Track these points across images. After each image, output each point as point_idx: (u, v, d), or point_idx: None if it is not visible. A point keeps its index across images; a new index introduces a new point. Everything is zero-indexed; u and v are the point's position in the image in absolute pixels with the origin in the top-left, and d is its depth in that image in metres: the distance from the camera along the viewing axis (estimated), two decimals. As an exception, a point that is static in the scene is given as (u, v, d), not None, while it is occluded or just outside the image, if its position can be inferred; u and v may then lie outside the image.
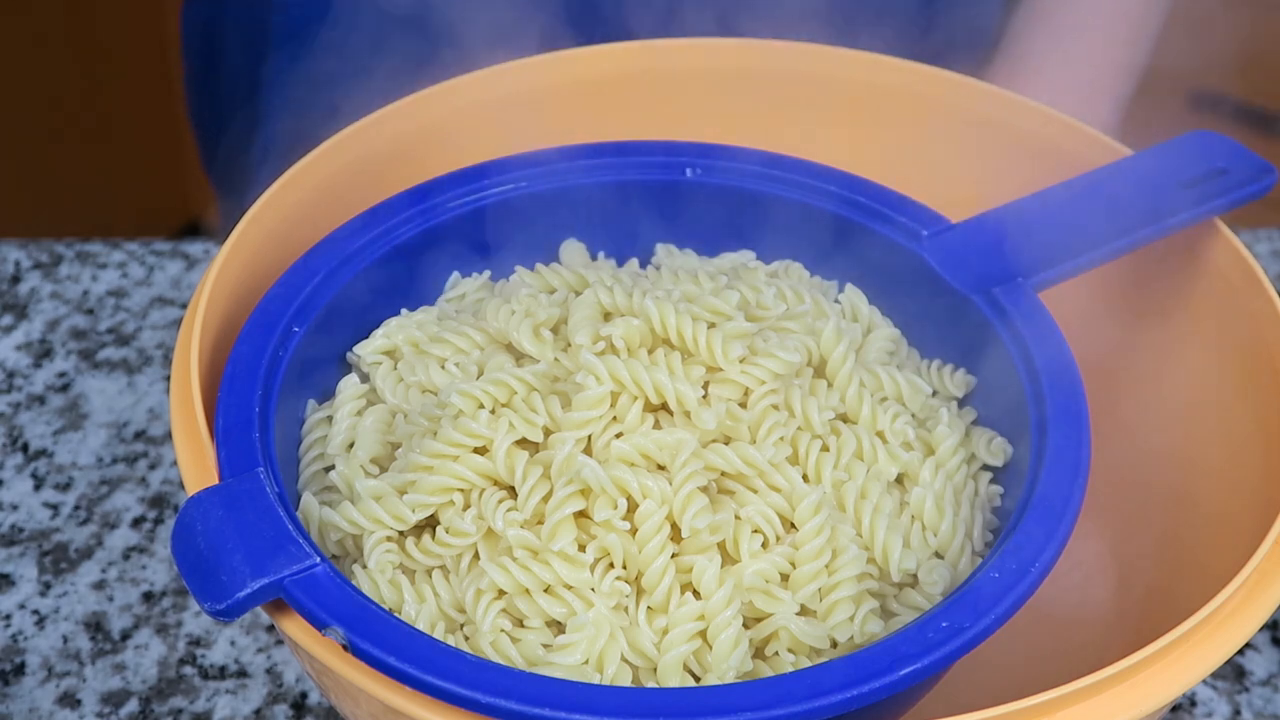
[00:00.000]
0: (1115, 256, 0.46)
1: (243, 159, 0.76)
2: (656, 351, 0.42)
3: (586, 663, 0.38)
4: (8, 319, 0.67)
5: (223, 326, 0.44)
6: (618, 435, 0.41)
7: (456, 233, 0.48)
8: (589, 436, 0.40)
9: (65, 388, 0.64)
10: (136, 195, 1.47)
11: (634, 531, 0.39)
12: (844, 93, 0.54)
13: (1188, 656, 0.35)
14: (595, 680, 0.38)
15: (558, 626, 0.39)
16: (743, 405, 0.42)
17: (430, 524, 0.41)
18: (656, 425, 0.41)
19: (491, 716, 0.33)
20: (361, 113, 0.50)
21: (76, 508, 0.58)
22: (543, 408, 0.41)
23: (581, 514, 0.39)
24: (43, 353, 0.66)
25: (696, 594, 0.39)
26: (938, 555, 0.42)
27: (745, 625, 0.39)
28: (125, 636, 0.53)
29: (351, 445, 0.44)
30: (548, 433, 0.41)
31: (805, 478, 0.42)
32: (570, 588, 0.39)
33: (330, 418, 0.45)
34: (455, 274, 0.50)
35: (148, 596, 0.55)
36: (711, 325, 0.42)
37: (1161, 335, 0.50)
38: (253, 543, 0.36)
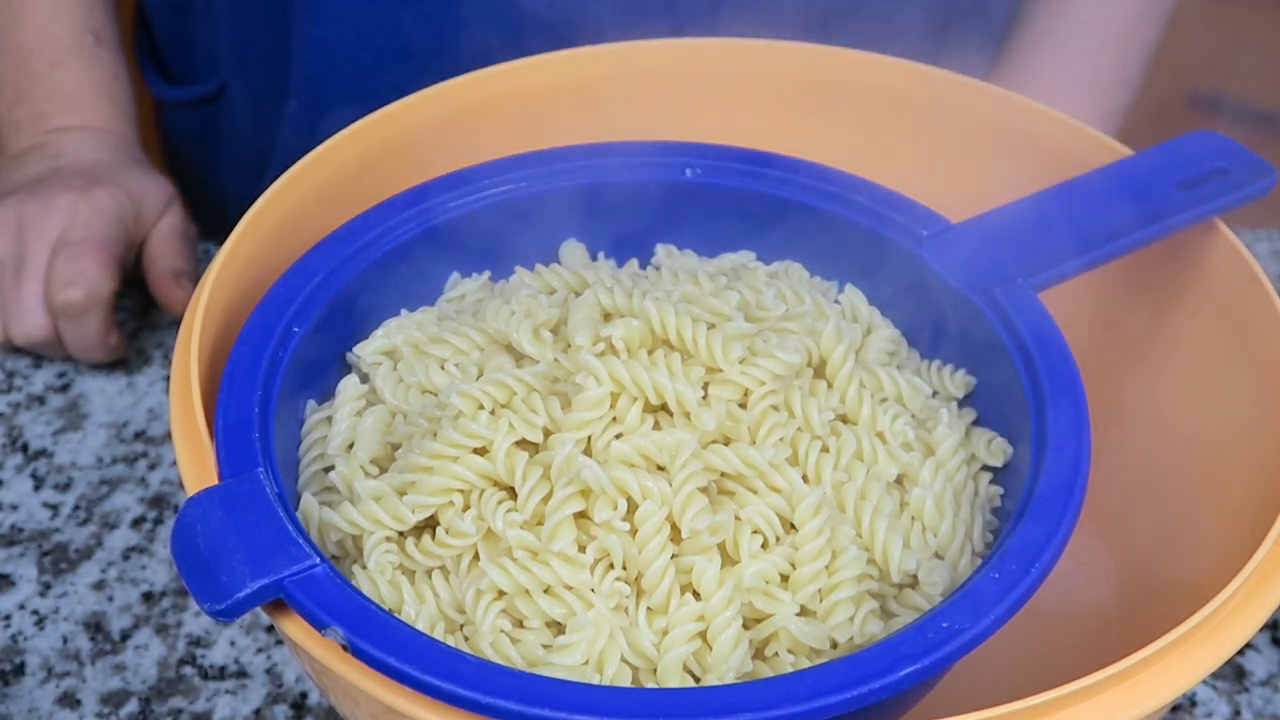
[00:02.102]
0: (1115, 256, 0.46)
1: None
2: (656, 352, 0.42)
3: (586, 663, 0.38)
4: (8, 319, 0.67)
5: (223, 326, 0.44)
6: (617, 436, 0.41)
7: (456, 233, 0.48)
8: (589, 437, 0.40)
9: (65, 388, 0.64)
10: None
11: (634, 532, 0.39)
12: (844, 93, 0.54)
13: (1188, 656, 0.35)
14: (595, 681, 0.38)
15: (557, 627, 0.39)
16: (742, 406, 0.42)
17: (430, 524, 0.41)
18: (656, 426, 0.41)
19: (491, 716, 0.33)
20: None
21: (76, 508, 0.58)
22: (542, 408, 0.41)
23: (581, 515, 0.39)
24: (43, 353, 0.66)
25: (696, 595, 0.39)
26: (938, 556, 0.42)
27: (745, 626, 0.39)
28: (125, 637, 0.53)
29: (351, 446, 0.44)
30: (548, 433, 0.41)
31: (805, 478, 0.42)
32: (570, 588, 0.39)
33: (330, 418, 0.44)
34: (455, 274, 0.50)
35: (148, 596, 0.54)
36: (711, 326, 0.42)
37: (1162, 335, 0.50)
38: (252, 543, 0.36)
